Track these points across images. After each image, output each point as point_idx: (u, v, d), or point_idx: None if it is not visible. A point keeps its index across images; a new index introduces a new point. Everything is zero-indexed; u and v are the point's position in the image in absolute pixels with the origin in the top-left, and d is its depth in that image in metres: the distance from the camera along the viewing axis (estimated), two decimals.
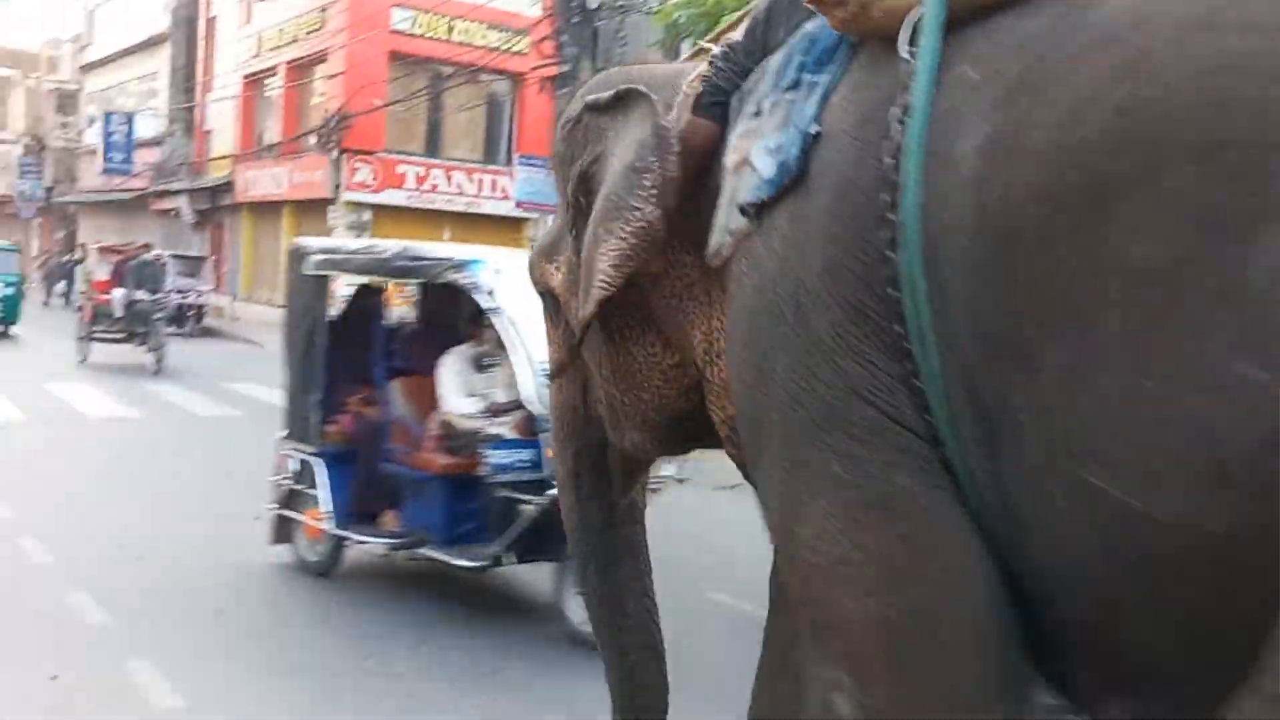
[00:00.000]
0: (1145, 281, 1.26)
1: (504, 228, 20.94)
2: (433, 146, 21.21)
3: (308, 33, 21.31)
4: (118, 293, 13.70)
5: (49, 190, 32.24)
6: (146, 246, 16.34)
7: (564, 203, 2.31)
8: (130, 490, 6.84)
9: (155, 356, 13.12)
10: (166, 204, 26.15)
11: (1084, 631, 1.46)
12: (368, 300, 5.56)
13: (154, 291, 13.60)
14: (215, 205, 24.55)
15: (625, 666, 2.51)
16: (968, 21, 1.52)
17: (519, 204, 16.68)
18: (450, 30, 19.96)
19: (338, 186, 19.92)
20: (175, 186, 25.49)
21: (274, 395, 11.33)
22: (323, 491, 4.93)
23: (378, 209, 19.87)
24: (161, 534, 5.68)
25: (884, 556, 1.56)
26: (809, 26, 1.84)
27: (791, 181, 1.72)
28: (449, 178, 20.77)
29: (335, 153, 19.83)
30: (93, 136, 29.76)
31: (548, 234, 2.55)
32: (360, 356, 5.26)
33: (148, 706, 3.60)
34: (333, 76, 20.28)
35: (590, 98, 2.21)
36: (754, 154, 1.81)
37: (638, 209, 1.93)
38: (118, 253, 15.90)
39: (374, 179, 19.99)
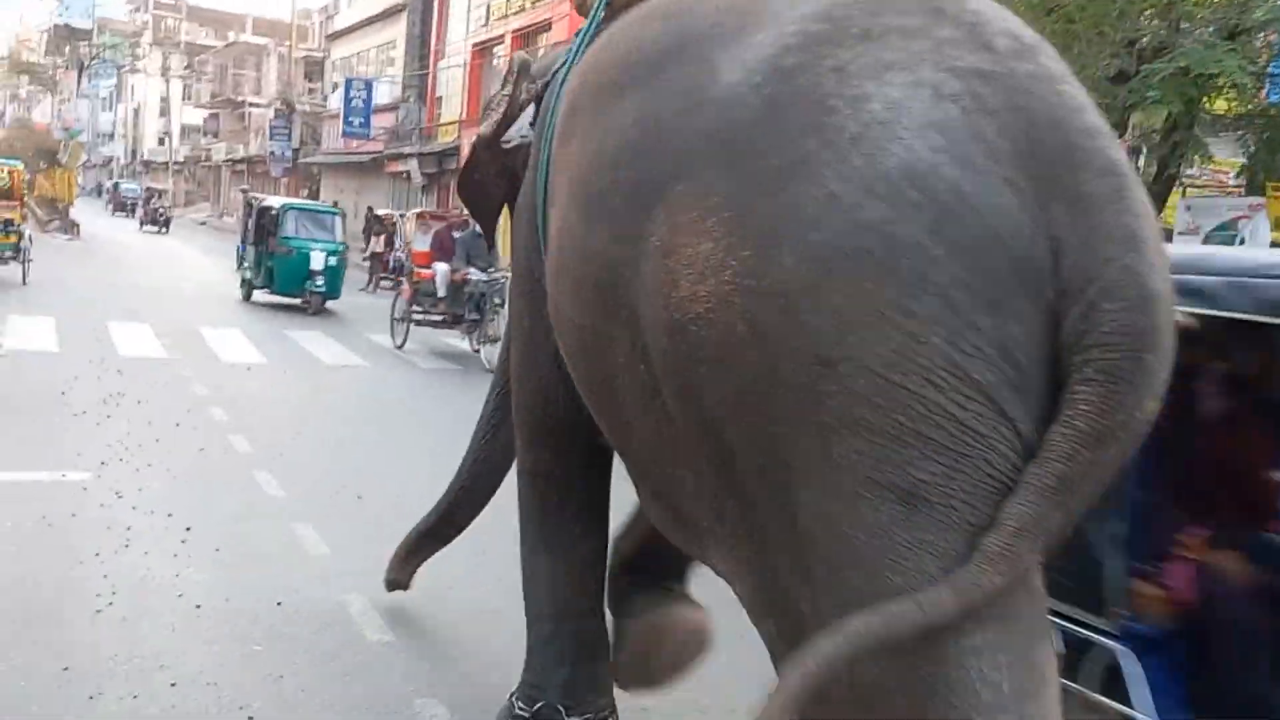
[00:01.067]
0: (576, 173, 2.10)
1: None
2: None
3: (534, 2, 21.86)
4: (439, 268, 11.68)
5: (296, 151, 34.65)
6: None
7: None
8: (355, 433, 7.27)
9: (487, 348, 10.58)
10: (398, 167, 27.60)
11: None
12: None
13: (485, 269, 11.10)
14: (442, 169, 25.69)
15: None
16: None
17: None
18: None
19: None
20: (407, 150, 26.86)
21: (490, 352, 11.87)
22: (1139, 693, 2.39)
23: None
24: (380, 475, 6.01)
25: (519, 364, 2.93)
26: None
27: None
28: None
29: None
30: (335, 102, 31.73)
31: None
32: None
33: (361, 637, 3.80)
34: (556, 44, 20.73)
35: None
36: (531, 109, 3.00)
37: (481, 125, 3.13)
38: (439, 220, 13.49)
39: None
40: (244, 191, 27.17)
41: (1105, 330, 1.47)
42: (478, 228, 12.45)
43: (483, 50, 24.70)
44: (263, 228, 15.15)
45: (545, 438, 2.86)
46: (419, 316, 11.92)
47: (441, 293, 11.66)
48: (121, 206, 41.47)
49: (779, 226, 1.57)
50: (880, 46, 1.61)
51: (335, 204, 30.79)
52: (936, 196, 1.49)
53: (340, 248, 15.12)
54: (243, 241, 16.10)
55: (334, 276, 14.59)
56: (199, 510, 5.04)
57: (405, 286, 12.33)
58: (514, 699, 2.94)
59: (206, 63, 50.96)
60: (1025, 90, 1.55)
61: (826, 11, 1.70)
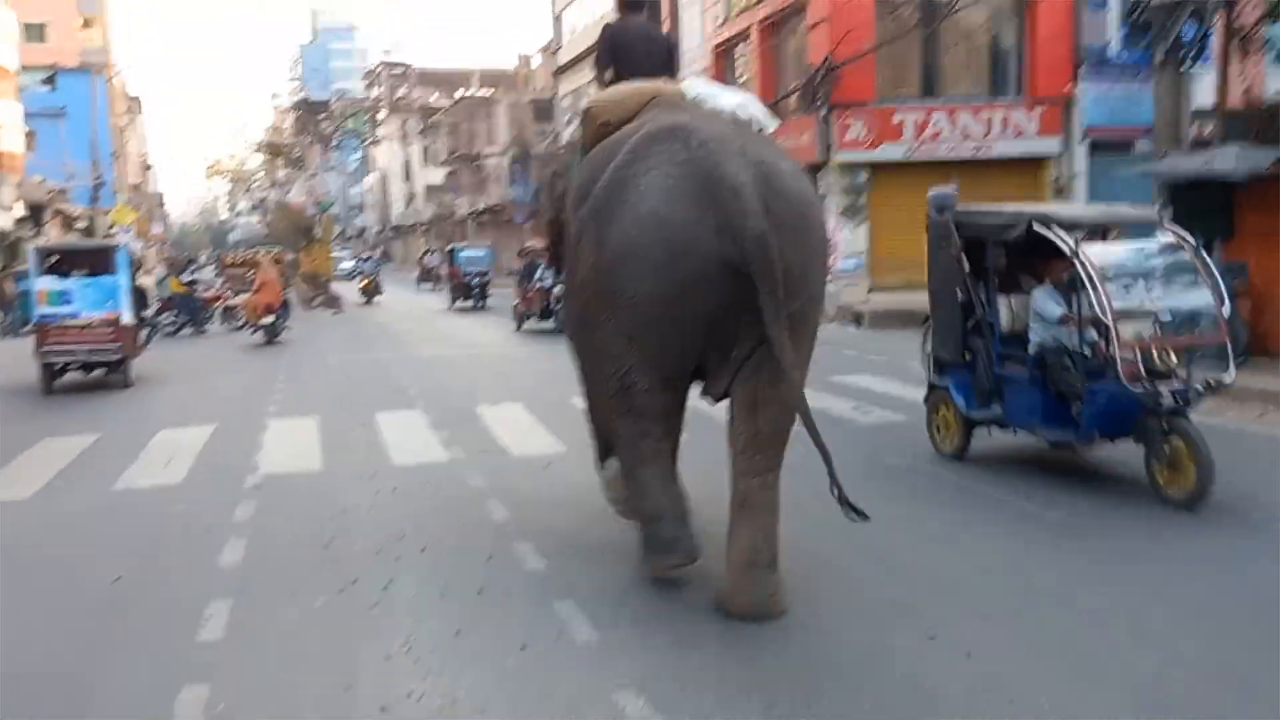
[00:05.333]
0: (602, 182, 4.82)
1: (1019, 171, 17.66)
2: (929, 88, 18.42)
3: None
4: None
5: (536, 193, 33.83)
6: None
7: None
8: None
9: None
10: None
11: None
12: None
13: None
14: None
15: None
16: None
17: (1088, 130, 13.49)
18: None
19: (829, 148, 17.85)
20: None
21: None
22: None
23: (876, 167, 17.55)
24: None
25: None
26: None
27: None
28: (953, 121, 17.87)
29: (824, 110, 17.76)
30: (568, 135, 30.56)
31: None
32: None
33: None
34: (814, 26, 18.21)
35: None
36: None
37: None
38: None
39: (868, 134, 17.65)
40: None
41: (748, 255, 4.15)
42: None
43: (723, 52, 22.53)
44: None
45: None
46: None
47: None
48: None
49: (605, 239, 4.51)
50: (649, 157, 4.50)
51: None
52: (660, 222, 4.35)
53: None
54: None
55: None
56: None
57: None
58: (598, 465, 5.95)
59: (440, 123, 51.94)
60: (703, 166, 4.32)
61: (634, 146, 4.59)
